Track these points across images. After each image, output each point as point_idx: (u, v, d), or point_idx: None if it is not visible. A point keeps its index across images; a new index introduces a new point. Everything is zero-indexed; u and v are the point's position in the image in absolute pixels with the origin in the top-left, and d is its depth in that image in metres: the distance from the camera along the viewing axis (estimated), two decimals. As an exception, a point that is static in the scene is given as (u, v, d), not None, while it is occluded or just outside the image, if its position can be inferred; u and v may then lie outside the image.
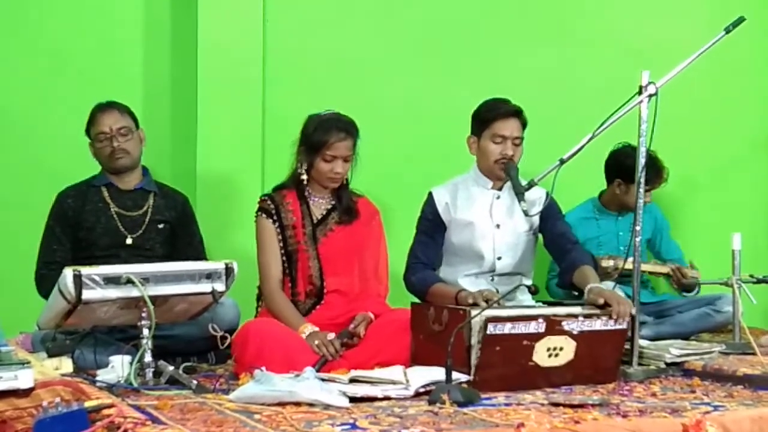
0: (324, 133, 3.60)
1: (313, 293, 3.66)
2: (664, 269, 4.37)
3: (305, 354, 3.30)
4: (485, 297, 3.35)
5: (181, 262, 3.41)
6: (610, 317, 3.25)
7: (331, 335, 3.43)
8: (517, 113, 3.81)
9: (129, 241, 3.80)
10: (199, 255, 3.88)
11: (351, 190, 3.79)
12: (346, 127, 3.64)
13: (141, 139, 3.91)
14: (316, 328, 3.47)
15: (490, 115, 3.81)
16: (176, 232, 3.93)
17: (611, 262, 4.13)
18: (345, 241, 3.71)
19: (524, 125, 3.83)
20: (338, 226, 3.72)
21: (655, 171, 4.31)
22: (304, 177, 3.69)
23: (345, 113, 3.72)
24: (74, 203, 3.81)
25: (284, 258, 3.67)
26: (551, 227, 3.88)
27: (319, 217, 3.72)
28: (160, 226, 3.88)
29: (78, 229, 3.79)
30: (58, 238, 3.80)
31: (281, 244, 3.68)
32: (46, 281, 3.65)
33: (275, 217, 3.68)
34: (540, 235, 3.95)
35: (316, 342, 3.37)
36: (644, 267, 4.30)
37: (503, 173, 3.78)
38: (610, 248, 4.45)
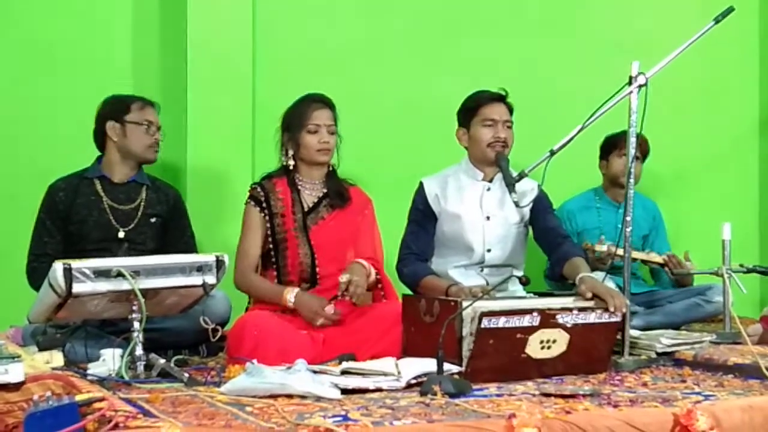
0: (302, 107, 3.71)
1: (306, 280, 3.67)
2: (658, 258, 4.38)
3: (301, 348, 3.29)
4: (474, 293, 3.36)
5: (171, 255, 3.40)
6: (606, 310, 3.25)
7: (330, 307, 3.46)
8: (502, 98, 3.85)
9: (121, 234, 3.79)
10: (190, 250, 3.87)
11: (343, 179, 3.80)
12: (322, 98, 3.74)
13: None
14: (298, 290, 3.52)
15: (475, 102, 3.88)
16: (167, 226, 3.92)
17: (605, 247, 4.12)
18: (337, 228, 3.72)
19: (511, 110, 3.86)
20: (330, 214, 3.73)
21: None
22: (291, 163, 3.71)
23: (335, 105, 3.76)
24: (65, 196, 3.79)
25: (271, 246, 3.68)
26: (542, 220, 3.89)
27: (311, 205, 3.72)
28: (152, 220, 3.87)
29: (69, 222, 3.78)
30: (49, 230, 3.78)
31: (269, 233, 3.68)
32: (37, 274, 3.63)
33: (264, 205, 3.69)
34: (530, 228, 3.96)
35: (320, 322, 3.43)
36: (637, 255, 4.32)
37: (496, 158, 3.79)
38: (609, 240, 4.45)
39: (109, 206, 3.81)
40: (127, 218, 3.82)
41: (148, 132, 3.84)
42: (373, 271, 3.60)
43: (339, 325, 3.44)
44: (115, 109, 3.86)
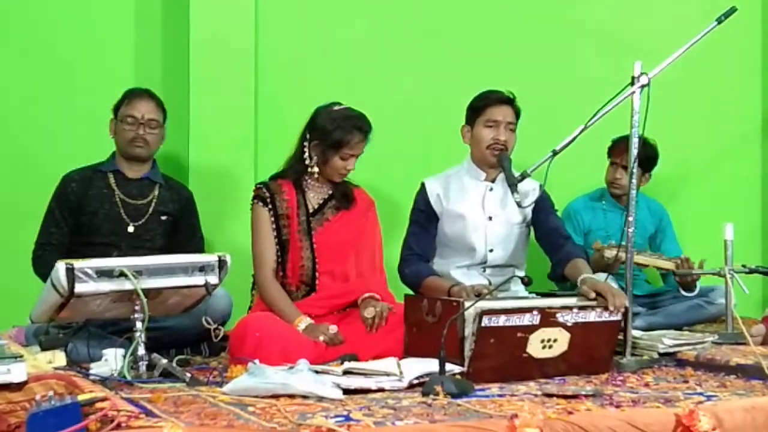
0: (346, 133, 3.59)
1: (305, 283, 3.66)
2: (669, 264, 4.33)
3: (303, 349, 3.28)
4: (476, 291, 3.35)
5: (174, 254, 3.40)
6: (605, 309, 3.25)
7: (333, 327, 3.44)
8: (509, 100, 3.84)
9: (131, 229, 3.82)
10: (199, 251, 3.87)
11: (346, 181, 3.79)
12: (366, 127, 3.64)
13: (162, 136, 3.95)
14: (311, 321, 3.48)
15: (482, 102, 3.86)
16: (177, 226, 3.94)
17: (613, 252, 4.05)
18: (341, 230, 3.71)
19: (518, 114, 3.86)
20: (335, 216, 3.72)
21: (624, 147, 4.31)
22: (315, 170, 3.68)
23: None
24: (78, 187, 3.82)
25: (277, 247, 3.67)
26: (544, 221, 3.88)
27: (316, 207, 3.71)
28: (163, 217, 3.89)
29: (80, 214, 3.80)
30: (57, 220, 3.81)
31: (275, 233, 3.67)
32: (41, 262, 3.71)
33: (270, 206, 3.67)
34: (532, 228, 3.95)
35: (322, 338, 3.39)
36: (646, 260, 4.28)
37: (495, 160, 3.79)
38: (615, 240, 4.42)
39: (120, 200, 3.84)
40: (138, 213, 3.84)
41: (131, 126, 3.84)
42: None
43: (340, 345, 3.43)
44: (116, 104, 3.92)
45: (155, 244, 3.81)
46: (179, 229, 3.94)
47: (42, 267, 3.63)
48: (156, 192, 3.91)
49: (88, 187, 3.83)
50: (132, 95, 3.91)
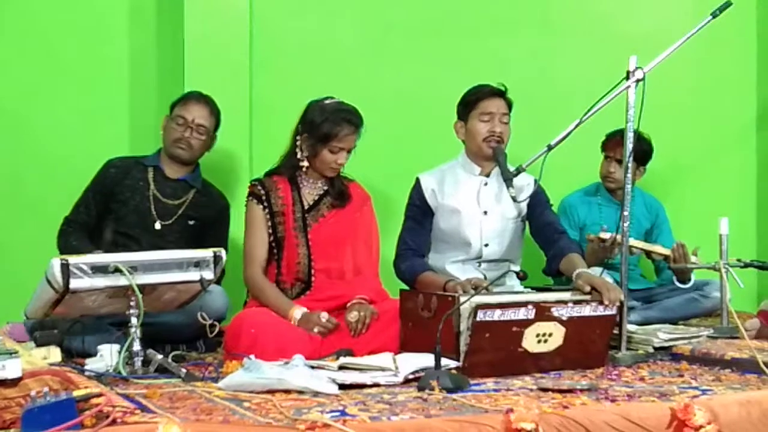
0: (334, 125, 3.57)
1: (301, 280, 3.66)
2: (664, 251, 4.33)
3: (298, 344, 3.28)
4: (473, 285, 3.35)
5: (168, 250, 3.40)
6: (600, 303, 3.26)
7: (324, 315, 3.44)
8: (501, 93, 3.85)
9: (157, 226, 3.82)
10: None
11: (343, 176, 3.78)
12: (356, 120, 3.62)
13: (209, 143, 3.96)
14: (305, 310, 3.47)
15: (475, 96, 3.87)
16: (205, 233, 3.94)
17: (608, 235, 4.04)
18: (337, 226, 3.70)
19: (510, 106, 3.86)
20: (330, 212, 3.71)
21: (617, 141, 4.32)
22: (305, 164, 3.67)
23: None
24: (116, 173, 3.86)
25: (273, 244, 3.66)
26: (539, 216, 3.88)
27: (311, 203, 3.71)
28: (191, 222, 3.90)
29: (112, 201, 3.84)
30: (88, 202, 3.86)
31: (270, 231, 3.66)
32: (62, 237, 3.79)
33: (265, 203, 3.67)
34: (527, 223, 3.95)
35: (316, 330, 3.39)
36: (642, 246, 4.28)
37: (491, 153, 3.79)
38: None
39: (153, 196, 3.85)
40: (168, 213, 3.86)
41: (179, 127, 3.86)
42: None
43: (336, 332, 3.43)
44: (173, 102, 3.96)
45: (178, 246, 3.77)
46: (206, 237, 3.92)
47: (62, 242, 3.73)
48: (190, 195, 3.92)
49: (126, 176, 3.87)
50: (189, 97, 3.95)
